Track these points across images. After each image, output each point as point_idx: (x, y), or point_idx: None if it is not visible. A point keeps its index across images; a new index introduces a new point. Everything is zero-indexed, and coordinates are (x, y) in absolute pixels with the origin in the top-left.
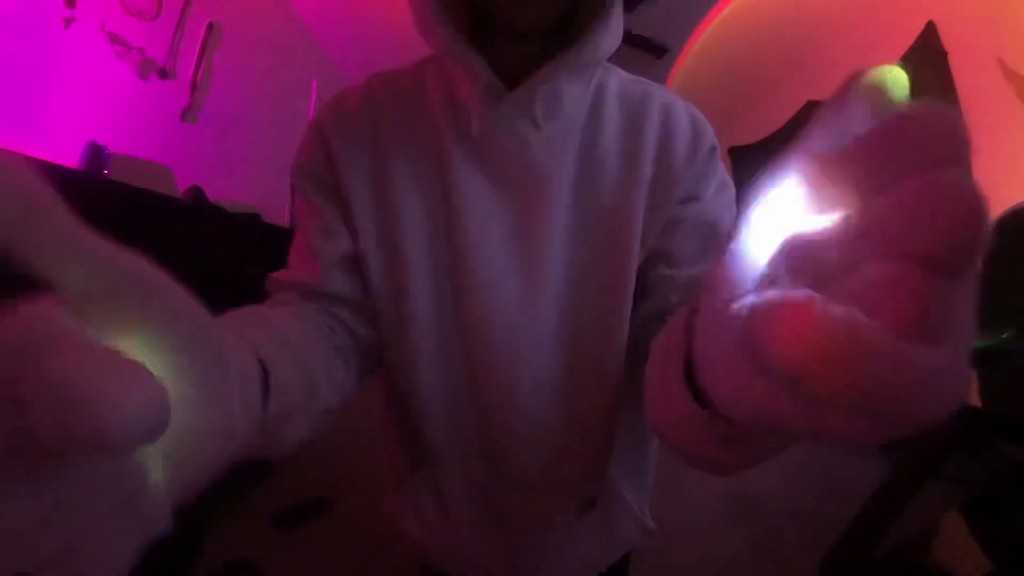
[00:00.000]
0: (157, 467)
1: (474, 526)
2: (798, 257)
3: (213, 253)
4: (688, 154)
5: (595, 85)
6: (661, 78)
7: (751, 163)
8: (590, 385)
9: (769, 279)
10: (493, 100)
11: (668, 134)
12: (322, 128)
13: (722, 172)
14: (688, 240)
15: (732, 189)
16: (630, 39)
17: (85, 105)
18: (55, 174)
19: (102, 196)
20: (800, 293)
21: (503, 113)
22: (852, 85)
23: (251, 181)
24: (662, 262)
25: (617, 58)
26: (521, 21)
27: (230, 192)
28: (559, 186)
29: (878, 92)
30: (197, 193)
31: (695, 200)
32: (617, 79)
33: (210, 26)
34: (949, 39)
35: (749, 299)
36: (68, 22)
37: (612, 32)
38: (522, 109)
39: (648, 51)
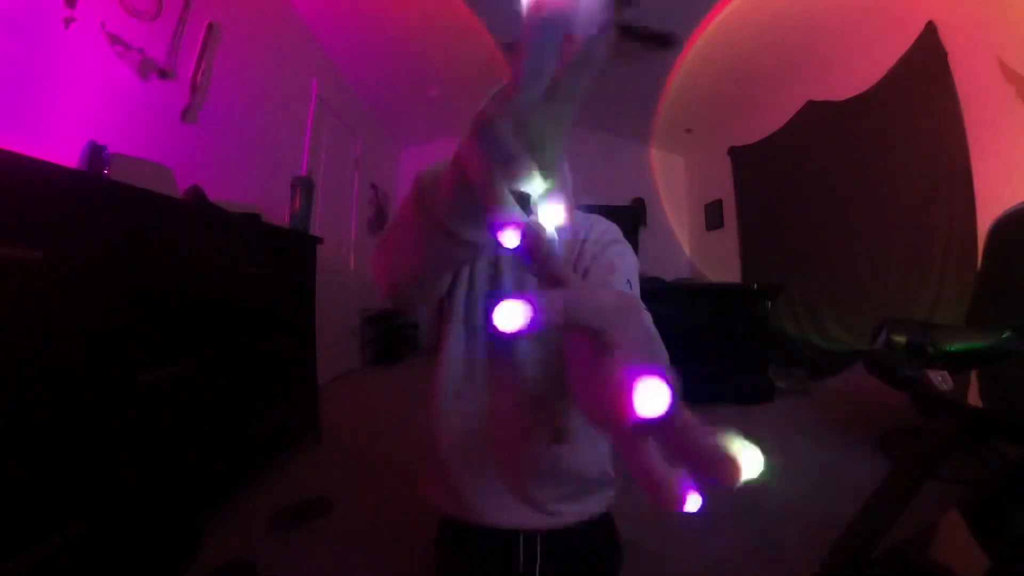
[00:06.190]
0: None
1: (484, 451)
2: None
3: (213, 253)
4: (596, 238)
5: None
6: (661, 78)
7: (751, 163)
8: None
9: None
10: None
11: (589, 230)
12: None
13: (620, 250)
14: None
15: (631, 257)
16: (632, 32)
17: (85, 105)
18: (55, 174)
19: (102, 196)
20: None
21: None
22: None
23: (251, 181)
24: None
25: (621, 52)
26: None
27: (230, 192)
28: None
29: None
30: (197, 193)
31: (601, 255)
32: None
33: (210, 26)
34: (949, 39)
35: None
36: (68, 22)
37: None
38: None
39: (651, 43)
